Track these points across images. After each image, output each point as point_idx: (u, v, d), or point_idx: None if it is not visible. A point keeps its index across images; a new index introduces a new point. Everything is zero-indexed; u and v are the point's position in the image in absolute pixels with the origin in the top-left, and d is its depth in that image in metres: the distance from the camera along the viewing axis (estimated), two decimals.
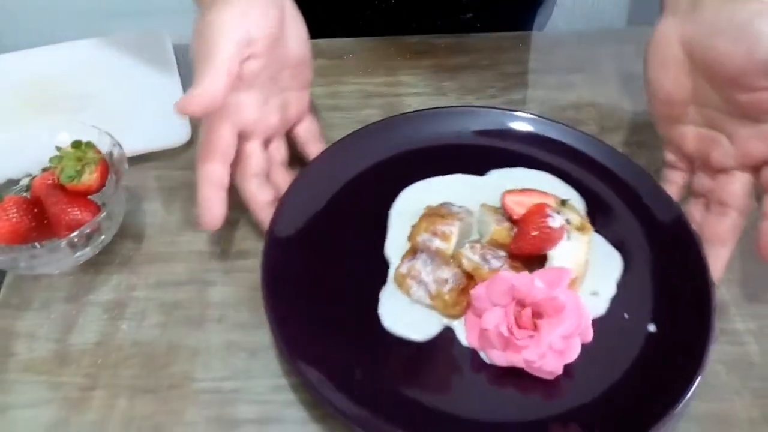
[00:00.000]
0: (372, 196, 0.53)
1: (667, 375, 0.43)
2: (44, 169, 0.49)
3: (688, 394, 0.41)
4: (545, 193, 0.50)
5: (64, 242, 0.45)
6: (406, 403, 0.42)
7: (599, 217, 0.52)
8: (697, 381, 0.42)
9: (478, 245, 0.48)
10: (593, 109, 0.64)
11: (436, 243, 0.47)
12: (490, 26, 0.73)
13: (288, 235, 0.49)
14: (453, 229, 0.48)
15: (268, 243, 0.48)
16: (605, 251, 0.51)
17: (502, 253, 0.47)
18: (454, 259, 0.47)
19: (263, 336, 0.46)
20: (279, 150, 0.54)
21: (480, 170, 0.56)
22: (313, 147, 0.56)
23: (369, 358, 0.44)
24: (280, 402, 0.44)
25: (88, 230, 0.46)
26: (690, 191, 0.53)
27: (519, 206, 0.48)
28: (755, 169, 0.48)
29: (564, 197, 0.50)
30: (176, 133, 0.58)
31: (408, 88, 0.66)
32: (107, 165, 0.49)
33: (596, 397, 0.43)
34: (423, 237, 0.48)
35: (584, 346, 0.44)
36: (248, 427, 0.43)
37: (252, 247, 0.52)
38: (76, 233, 0.45)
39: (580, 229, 0.48)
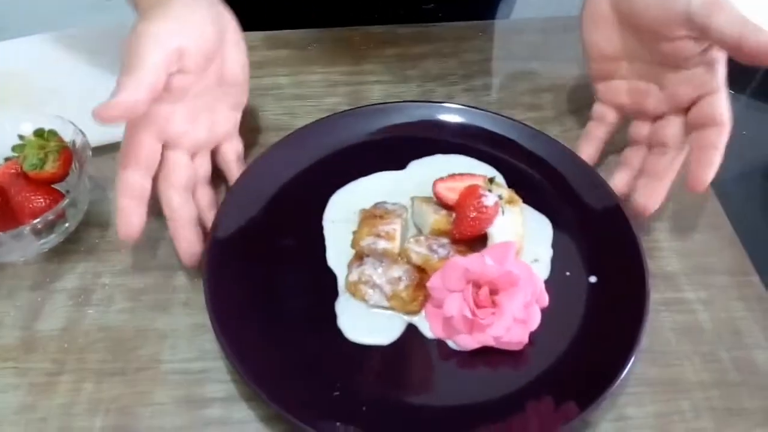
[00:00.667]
0: (300, 207, 0.53)
1: (619, 317, 0.46)
2: (7, 159, 0.49)
3: (643, 331, 0.44)
4: (472, 175, 0.51)
5: (27, 229, 0.45)
6: (389, 409, 0.43)
7: (520, 187, 0.54)
8: (648, 316, 0.45)
9: (422, 238, 0.49)
10: (550, 95, 0.66)
11: (382, 244, 0.47)
12: (452, 16, 0.75)
13: (228, 258, 0.48)
14: (396, 227, 0.48)
15: (208, 273, 0.46)
16: (535, 218, 0.53)
17: (446, 241, 0.49)
18: (401, 256, 0.48)
19: None
20: (203, 166, 0.53)
21: (399, 164, 0.57)
22: (235, 168, 0.55)
23: (341, 373, 0.44)
24: None
25: (51, 216, 0.46)
26: (628, 140, 0.56)
27: (451, 192, 0.50)
28: (686, 110, 0.52)
29: (488, 176, 0.52)
30: None
31: (372, 77, 0.67)
32: (70, 153, 0.49)
33: (561, 355, 0.45)
34: (367, 241, 0.48)
35: (541, 311, 0.46)
36: (216, 406, 0.43)
37: None
38: (39, 219, 0.45)
39: (511, 202, 0.50)
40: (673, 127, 0.52)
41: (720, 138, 0.49)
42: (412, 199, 0.53)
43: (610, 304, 0.47)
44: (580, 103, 0.64)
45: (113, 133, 0.56)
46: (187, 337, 0.46)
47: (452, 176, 0.51)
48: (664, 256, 0.52)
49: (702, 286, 0.51)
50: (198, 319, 0.47)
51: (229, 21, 0.52)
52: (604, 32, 0.54)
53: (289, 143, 0.56)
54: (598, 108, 0.57)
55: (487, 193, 0.48)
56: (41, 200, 0.47)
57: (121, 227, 0.46)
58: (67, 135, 0.50)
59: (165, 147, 0.49)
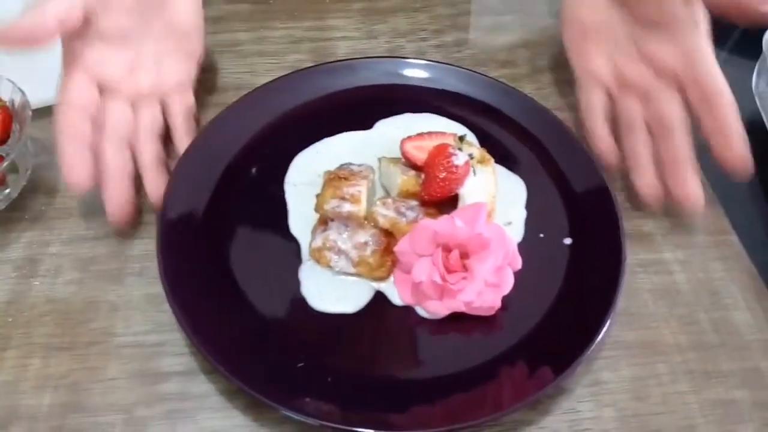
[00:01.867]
0: (260, 170, 0.51)
1: (594, 279, 0.45)
2: None
3: (619, 293, 0.43)
4: (441, 133, 0.49)
5: None
6: (356, 381, 0.41)
7: (491, 147, 0.51)
8: (624, 278, 0.44)
9: (389, 200, 0.46)
10: (525, 50, 0.63)
11: (347, 207, 0.45)
12: None
13: (183, 224, 0.46)
14: (361, 189, 0.46)
15: (162, 233, 0.44)
16: (508, 179, 0.51)
17: (414, 203, 0.46)
18: (368, 220, 0.46)
19: None
20: (146, 117, 0.48)
21: (366, 124, 0.54)
22: (181, 123, 0.50)
23: (305, 344, 0.42)
24: None
25: None
26: (622, 127, 0.52)
27: (419, 151, 0.47)
28: (675, 82, 0.49)
29: (458, 134, 0.49)
30: None
31: (337, 32, 0.64)
32: (9, 113, 0.46)
33: (534, 319, 0.43)
34: (331, 204, 0.45)
35: (514, 274, 0.44)
36: (174, 380, 0.41)
37: None
38: None
39: (482, 161, 0.48)
40: (667, 102, 0.49)
41: (729, 109, 0.46)
42: (380, 159, 0.50)
43: (585, 266, 0.46)
44: (555, 60, 0.62)
45: (57, 93, 0.53)
46: (142, 309, 0.44)
47: (420, 135, 0.48)
48: (640, 216, 0.51)
49: (679, 247, 0.49)
50: (153, 290, 0.44)
51: None
52: (585, 2, 0.52)
53: (248, 103, 0.53)
54: (584, 97, 0.53)
55: (457, 152, 0.46)
56: None
57: (67, 175, 0.43)
58: (5, 94, 0.46)
59: (102, 95, 0.46)
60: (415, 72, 0.57)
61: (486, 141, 0.53)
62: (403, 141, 0.48)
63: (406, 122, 0.54)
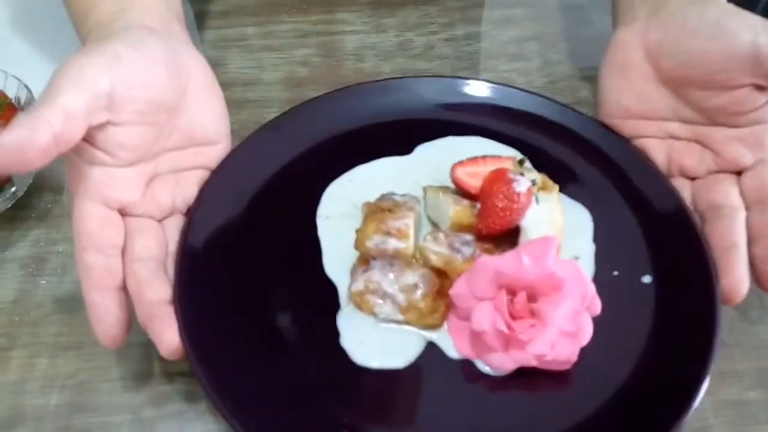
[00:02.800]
0: (289, 203, 0.45)
1: (685, 326, 0.39)
2: None
3: (716, 343, 0.37)
4: (497, 157, 0.43)
5: None
6: None
7: (550, 173, 0.45)
8: (720, 323, 0.38)
9: (441, 234, 0.41)
10: (536, 44, 0.62)
11: (393, 244, 0.40)
12: None
13: (204, 266, 0.40)
14: (408, 222, 0.40)
15: (180, 278, 0.39)
16: (571, 208, 0.45)
17: (470, 237, 0.41)
18: (417, 258, 0.41)
19: None
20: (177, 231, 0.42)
21: (404, 149, 0.49)
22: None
23: (348, 406, 0.37)
24: None
25: None
26: None
27: (473, 178, 0.42)
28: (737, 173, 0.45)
29: (515, 157, 0.45)
30: None
31: (346, 26, 0.63)
32: (15, 110, 0.45)
33: (619, 374, 0.38)
34: (374, 240, 0.40)
35: (592, 320, 0.38)
36: (182, 380, 0.40)
37: None
38: None
39: (545, 188, 0.42)
40: (725, 185, 0.44)
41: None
42: (425, 189, 0.45)
43: (672, 309, 0.40)
44: (566, 52, 0.61)
45: None
46: None
47: (473, 159, 0.43)
48: None
49: None
50: None
51: (194, 64, 0.42)
52: (633, 86, 0.46)
53: (272, 130, 0.48)
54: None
55: (518, 177, 0.40)
56: None
57: (98, 329, 0.36)
58: (11, 90, 0.46)
59: (123, 214, 0.39)
60: (458, 90, 0.52)
61: (543, 166, 0.46)
62: (454, 166, 0.43)
63: (450, 146, 0.49)
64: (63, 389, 0.40)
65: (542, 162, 0.46)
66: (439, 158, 0.46)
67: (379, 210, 0.42)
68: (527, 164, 0.44)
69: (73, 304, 0.43)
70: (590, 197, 0.46)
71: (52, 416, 0.39)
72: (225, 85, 0.56)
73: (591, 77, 0.58)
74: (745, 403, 0.41)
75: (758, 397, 0.41)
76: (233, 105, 0.54)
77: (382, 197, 0.43)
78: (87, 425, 0.39)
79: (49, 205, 0.48)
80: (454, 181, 0.43)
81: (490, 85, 0.52)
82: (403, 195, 0.43)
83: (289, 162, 0.47)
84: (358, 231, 0.41)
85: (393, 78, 0.53)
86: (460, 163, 0.43)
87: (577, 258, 0.43)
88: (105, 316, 0.36)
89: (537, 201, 0.41)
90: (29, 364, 0.41)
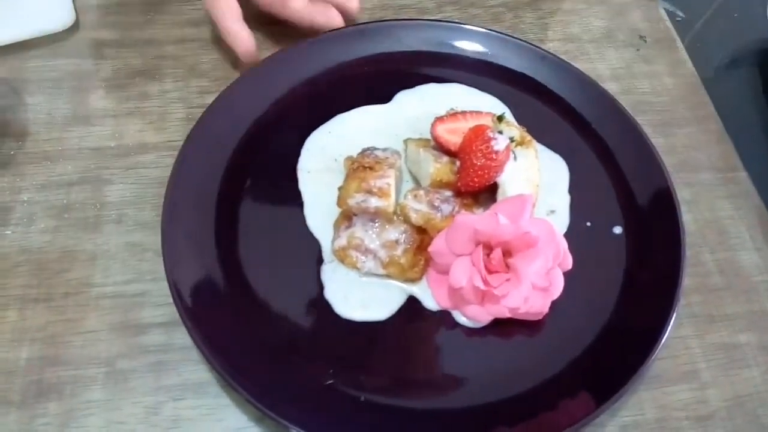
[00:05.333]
0: (269, 155, 0.45)
1: (650, 275, 0.40)
2: None
3: (679, 294, 0.39)
4: (477, 113, 0.43)
5: None
6: (391, 397, 0.37)
7: (529, 122, 0.45)
8: (683, 274, 0.39)
9: (421, 192, 0.41)
10: None
11: (374, 202, 0.40)
12: None
13: (188, 220, 0.41)
14: (389, 181, 0.40)
15: (166, 232, 0.39)
16: (549, 158, 0.45)
17: (449, 194, 0.41)
18: (398, 215, 0.41)
19: None
20: None
21: (383, 97, 0.48)
22: None
23: (333, 357, 0.37)
24: None
25: None
26: None
27: (453, 134, 0.42)
28: None
29: (496, 111, 0.43)
30: (56, 17, 0.51)
31: None
32: None
33: (587, 324, 0.39)
34: (356, 198, 0.40)
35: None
36: (156, 331, 0.39)
37: (152, 140, 0.47)
38: None
39: (523, 143, 0.42)
40: None
41: None
42: (406, 142, 0.45)
43: (639, 261, 0.41)
44: None
45: (27, 28, 0.50)
46: (121, 258, 0.42)
47: (453, 115, 0.43)
48: None
49: (686, 185, 0.47)
50: (132, 238, 0.42)
51: None
52: None
53: (250, 80, 0.47)
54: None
55: (496, 135, 0.40)
56: None
57: (241, 49, 0.47)
58: None
59: None
60: (436, 36, 0.51)
61: (521, 114, 0.47)
62: (434, 123, 0.43)
63: (430, 94, 0.48)
64: (33, 342, 0.38)
65: (518, 110, 0.47)
66: (419, 107, 0.46)
67: (361, 167, 0.41)
68: (508, 117, 0.43)
69: (40, 256, 0.41)
70: (567, 148, 0.46)
71: (22, 370, 0.38)
72: (198, 22, 0.54)
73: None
74: (734, 347, 0.41)
75: (749, 340, 0.41)
76: (206, 44, 0.51)
77: (364, 152, 0.43)
78: (59, 379, 0.37)
79: (12, 152, 0.45)
80: (435, 138, 0.42)
81: (471, 30, 0.51)
82: (384, 150, 0.43)
83: (267, 112, 0.46)
84: (340, 189, 0.41)
85: (371, 22, 0.51)
86: (440, 119, 0.43)
87: (552, 211, 0.44)
88: (244, 35, 0.47)
89: (515, 157, 0.41)
90: None
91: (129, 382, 0.37)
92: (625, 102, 0.49)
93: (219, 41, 0.52)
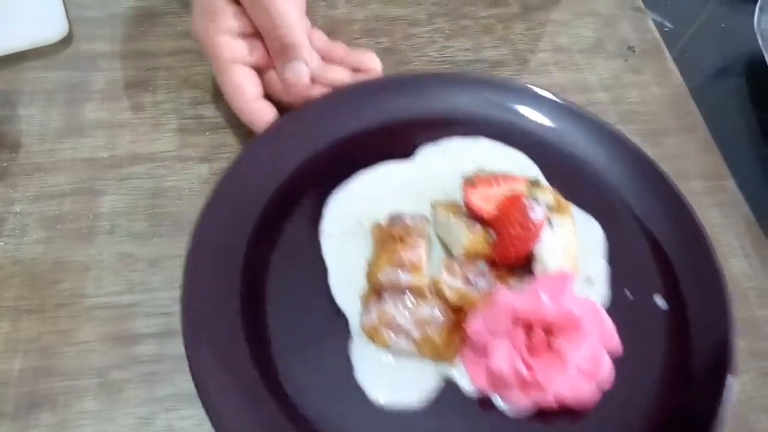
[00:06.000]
0: (290, 220, 0.42)
1: (700, 353, 0.38)
2: None
3: (732, 367, 0.37)
4: (510, 177, 0.41)
5: None
6: None
7: (561, 181, 0.43)
8: (735, 351, 0.37)
9: (455, 265, 0.39)
10: None
11: (406, 278, 0.38)
12: None
13: (208, 290, 0.38)
14: (421, 254, 0.39)
15: (186, 305, 0.37)
16: (582, 221, 0.43)
17: (484, 266, 0.39)
18: (431, 290, 0.39)
19: (164, 245, 0.43)
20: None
21: (406, 151, 0.46)
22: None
23: None
24: None
25: None
26: None
27: (486, 202, 0.40)
28: None
29: (526, 170, 0.42)
30: (50, 29, 0.51)
31: None
32: None
33: (639, 408, 0.37)
34: (387, 274, 0.38)
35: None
36: (149, 342, 0.39)
37: (145, 151, 0.47)
38: None
39: (559, 209, 0.40)
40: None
41: None
42: (434, 206, 0.43)
43: (686, 337, 0.39)
44: None
45: (20, 40, 0.50)
46: (113, 269, 0.42)
47: (485, 180, 0.41)
48: None
49: None
50: (124, 249, 0.42)
51: None
52: None
53: (266, 142, 0.44)
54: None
55: (533, 204, 0.38)
56: None
57: (262, 126, 0.45)
58: None
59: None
60: (459, 88, 0.48)
61: (548, 172, 0.45)
62: (465, 189, 0.41)
63: (454, 149, 0.46)
64: (27, 353, 0.38)
65: (551, 169, 0.45)
66: (443, 164, 0.44)
67: (390, 238, 0.40)
68: (540, 180, 0.42)
69: (33, 267, 0.41)
70: (601, 209, 0.44)
71: (16, 381, 0.37)
72: (189, 35, 0.54)
73: (568, 22, 0.56)
74: None
75: (739, 346, 0.41)
76: (199, 56, 0.52)
77: (392, 220, 0.41)
78: (52, 389, 0.37)
79: (5, 163, 0.45)
80: (467, 206, 0.41)
81: (497, 82, 0.49)
82: (412, 217, 0.41)
83: (285, 175, 0.44)
84: (369, 263, 0.40)
85: (392, 77, 0.49)
86: (472, 184, 0.41)
87: (590, 281, 0.41)
88: (265, 115, 0.45)
89: (551, 226, 0.39)
90: None
91: (122, 393, 0.37)
92: (613, 112, 0.50)
93: None
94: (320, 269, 0.41)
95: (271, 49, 0.45)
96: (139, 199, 0.44)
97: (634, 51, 0.56)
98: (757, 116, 0.47)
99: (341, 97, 0.47)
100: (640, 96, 0.53)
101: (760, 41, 0.52)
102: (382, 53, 0.50)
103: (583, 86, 0.52)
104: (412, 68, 0.54)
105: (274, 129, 0.44)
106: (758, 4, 0.54)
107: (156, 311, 0.40)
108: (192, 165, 0.46)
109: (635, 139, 0.48)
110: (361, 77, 0.48)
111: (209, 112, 0.49)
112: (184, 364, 0.38)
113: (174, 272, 0.42)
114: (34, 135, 0.47)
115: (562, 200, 0.41)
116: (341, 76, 0.47)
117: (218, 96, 0.47)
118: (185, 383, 0.38)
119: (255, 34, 0.46)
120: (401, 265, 0.38)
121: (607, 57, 0.56)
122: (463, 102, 0.48)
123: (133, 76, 0.51)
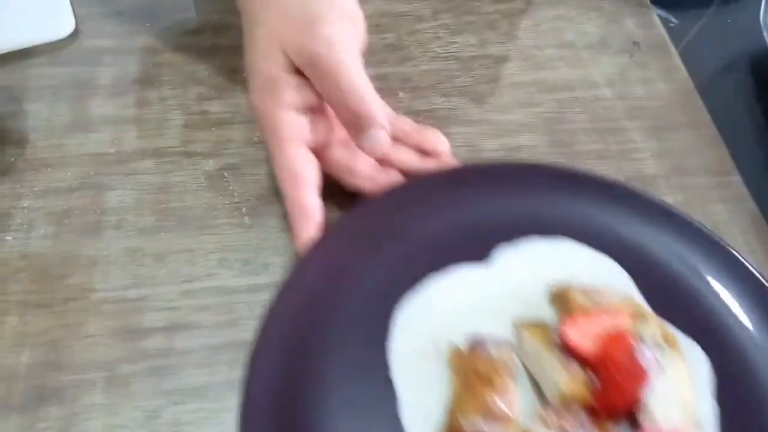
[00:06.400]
0: (354, 332, 0.37)
1: None
2: None
3: None
4: (612, 308, 0.36)
5: None
6: None
7: (653, 293, 0.38)
8: None
9: (551, 413, 0.34)
10: None
11: (495, 429, 0.33)
12: None
13: (268, 408, 0.34)
14: (512, 401, 0.34)
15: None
16: (684, 350, 0.36)
17: (582, 414, 0.34)
18: None
19: (171, 240, 0.43)
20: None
21: (480, 252, 0.40)
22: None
23: None
24: (192, 307, 0.41)
25: None
26: None
27: (586, 339, 0.35)
28: None
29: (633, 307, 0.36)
30: (57, 25, 0.51)
31: None
32: None
33: None
34: (472, 424, 0.33)
35: None
36: (157, 336, 0.39)
37: (151, 146, 0.47)
38: None
39: (667, 344, 0.35)
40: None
41: None
42: (518, 327, 0.38)
43: None
44: None
45: (26, 36, 0.50)
46: (121, 263, 0.42)
47: (584, 313, 0.36)
48: (642, 157, 0.49)
49: (681, 188, 0.47)
50: (131, 243, 0.42)
51: None
52: None
53: (326, 244, 0.40)
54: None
55: (641, 345, 0.34)
56: None
57: (303, 237, 0.40)
58: None
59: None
60: (540, 180, 0.43)
61: (642, 285, 0.40)
62: (562, 323, 0.36)
63: (535, 253, 0.41)
64: (35, 347, 0.39)
65: (645, 281, 0.40)
66: (524, 271, 0.40)
67: (474, 373, 0.35)
68: (645, 308, 0.38)
69: (41, 261, 0.42)
70: (704, 333, 0.37)
71: (24, 375, 0.38)
72: (196, 30, 0.54)
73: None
74: None
75: None
76: (204, 52, 0.52)
77: (473, 347, 0.36)
78: (60, 383, 0.37)
79: (12, 159, 0.46)
80: (564, 343, 0.35)
81: (581, 175, 0.44)
82: (496, 344, 0.36)
83: (348, 279, 0.39)
84: (450, 401, 0.35)
85: (467, 167, 0.45)
86: (571, 319, 0.36)
87: (697, 426, 0.35)
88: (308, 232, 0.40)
89: (662, 368, 0.34)
90: None
91: (129, 387, 0.38)
92: (619, 107, 0.50)
93: (218, 49, 0.52)
94: (389, 395, 0.36)
95: (342, 120, 0.41)
96: (146, 194, 0.45)
97: (639, 47, 0.56)
98: (762, 111, 0.47)
99: (411, 190, 0.42)
100: (646, 92, 0.53)
101: (766, 37, 0.52)
102: (387, 49, 0.50)
103: (588, 82, 0.52)
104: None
105: (334, 229, 0.41)
106: (763, 1, 0.54)
107: (163, 305, 0.40)
108: (198, 160, 0.46)
109: (641, 134, 0.48)
110: (430, 162, 0.44)
111: (215, 107, 0.49)
112: (192, 358, 0.39)
113: (181, 267, 0.42)
114: (41, 130, 0.47)
115: (670, 333, 0.36)
116: (409, 159, 0.44)
117: (224, 92, 0.48)
118: (192, 377, 0.38)
119: (319, 107, 0.42)
120: (489, 414, 0.34)
121: (612, 53, 0.56)
122: (546, 198, 0.43)
123: (139, 72, 0.51)
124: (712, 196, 0.47)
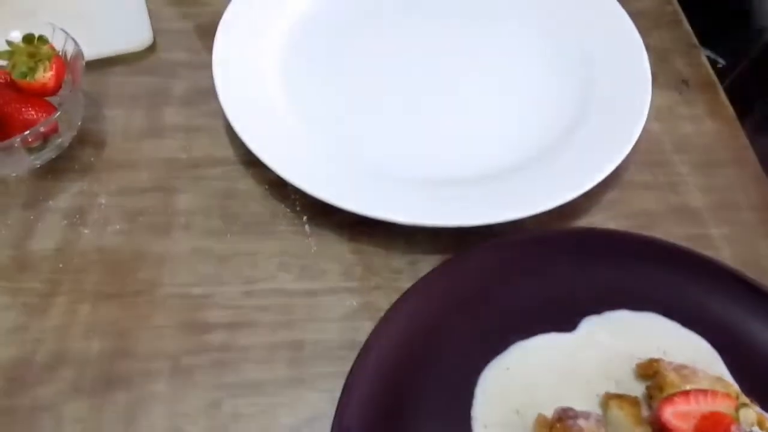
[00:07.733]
0: (436, 397, 0.37)
1: None
2: None
3: None
4: (712, 394, 0.35)
5: (18, 140, 0.42)
6: None
7: (744, 375, 0.38)
8: None
9: None
10: None
11: None
12: None
13: None
14: None
15: None
16: None
17: None
18: None
19: (235, 243, 0.45)
20: None
21: (567, 321, 0.40)
22: None
23: None
24: (252, 307, 0.43)
25: (43, 129, 0.43)
26: None
27: (683, 421, 0.34)
28: None
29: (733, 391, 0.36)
30: (136, 38, 0.55)
31: None
32: (63, 63, 0.46)
33: None
34: None
35: None
36: (219, 332, 0.42)
37: (221, 155, 0.50)
38: (30, 131, 0.42)
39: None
40: None
41: None
42: (608, 401, 0.37)
43: None
44: None
45: (109, 46, 0.54)
46: (187, 262, 0.44)
47: (684, 395, 0.35)
48: (689, 190, 0.50)
49: (726, 222, 0.48)
50: (198, 244, 0.45)
51: None
52: None
53: (411, 301, 0.40)
54: None
55: (741, 430, 0.33)
56: (32, 112, 0.44)
57: None
58: (58, 43, 0.47)
59: None
60: (632, 251, 0.43)
61: (731, 365, 0.39)
62: (662, 403, 0.35)
63: (622, 325, 0.40)
64: (105, 335, 0.41)
65: (734, 362, 0.39)
66: (610, 343, 0.39)
67: None
68: (742, 397, 0.36)
69: (114, 255, 0.44)
70: None
71: (94, 361, 0.40)
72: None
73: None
74: None
75: None
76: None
77: (562, 418, 0.35)
78: (128, 370, 0.40)
79: (92, 159, 0.49)
80: (657, 421, 0.35)
81: (673, 249, 0.43)
82: (585, 416, 0.35)
83: (429, 341, 0.39)
84: None
85: (549, 232, 0.45)
86: (670, 399, 0.35)
87: None
88: None
89: None
90: (72, 311, 0.42)
91: (192, 377, 0.40)
92: (667, 141, 0.52)
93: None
94: None
95: None
96: (213, 199, 0.47)
97: (687, 85, 0.58)
98: None
99: (501, 252, 0.42)
100: (693, 128, 0.55)
101: None
102: None
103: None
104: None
105: (420, 288, 0.40)
106: None
107: (226, 303, 0.43)
108: (263, 171, 0.48)
109: (687, 168, 0.49)
110: None
111: None
112: (251, 355, 0.41)
113: (243, 269, 0.44)
114: (118, 134, 0.50)
115: (766, 421, 0.35)
116: None
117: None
118: (252, 372, 0.40)
119: None
120: None
121: (661, 89, 0.57)
122: (636, 269, 0.42)
123: (210, 84, 0.53)
124: (757, 231, 0.48)
